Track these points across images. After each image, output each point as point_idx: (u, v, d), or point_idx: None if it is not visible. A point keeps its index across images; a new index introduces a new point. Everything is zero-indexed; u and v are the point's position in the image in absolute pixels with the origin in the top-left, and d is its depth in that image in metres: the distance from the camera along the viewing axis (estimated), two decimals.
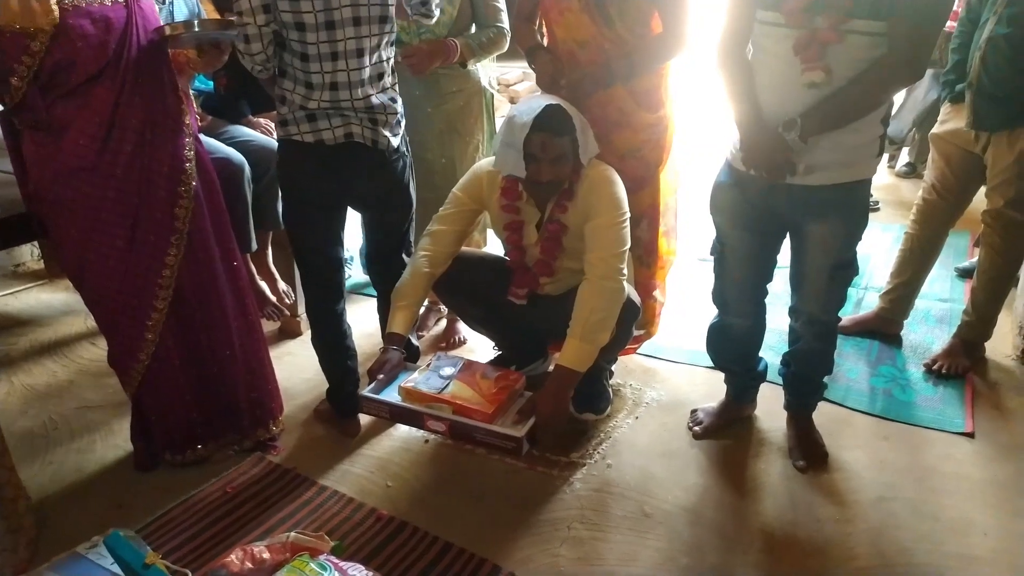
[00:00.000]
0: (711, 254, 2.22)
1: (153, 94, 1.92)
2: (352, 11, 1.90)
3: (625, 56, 2.19)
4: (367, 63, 1.98)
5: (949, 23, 3.62)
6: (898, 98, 4.42)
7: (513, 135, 2.03)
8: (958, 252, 3.60)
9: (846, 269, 2.01)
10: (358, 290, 3.34)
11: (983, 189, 2.57)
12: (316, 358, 2.37)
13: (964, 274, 3.35)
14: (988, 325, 2.66)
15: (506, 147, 2.06)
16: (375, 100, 2.02)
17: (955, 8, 4.45)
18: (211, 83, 2.84)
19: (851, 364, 2.72)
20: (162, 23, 2.00)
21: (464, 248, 2.38)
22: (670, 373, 2.73)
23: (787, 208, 1.95)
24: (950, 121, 2.60)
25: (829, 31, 1.69)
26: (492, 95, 2.80)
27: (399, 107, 2.10)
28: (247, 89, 2.87)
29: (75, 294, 3.40)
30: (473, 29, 2.56)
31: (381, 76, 2.04)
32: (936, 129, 2.69)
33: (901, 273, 2.82)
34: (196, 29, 1.93)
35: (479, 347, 2.87)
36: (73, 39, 1.76)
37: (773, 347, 2.64)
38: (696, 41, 2.26)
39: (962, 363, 2.63)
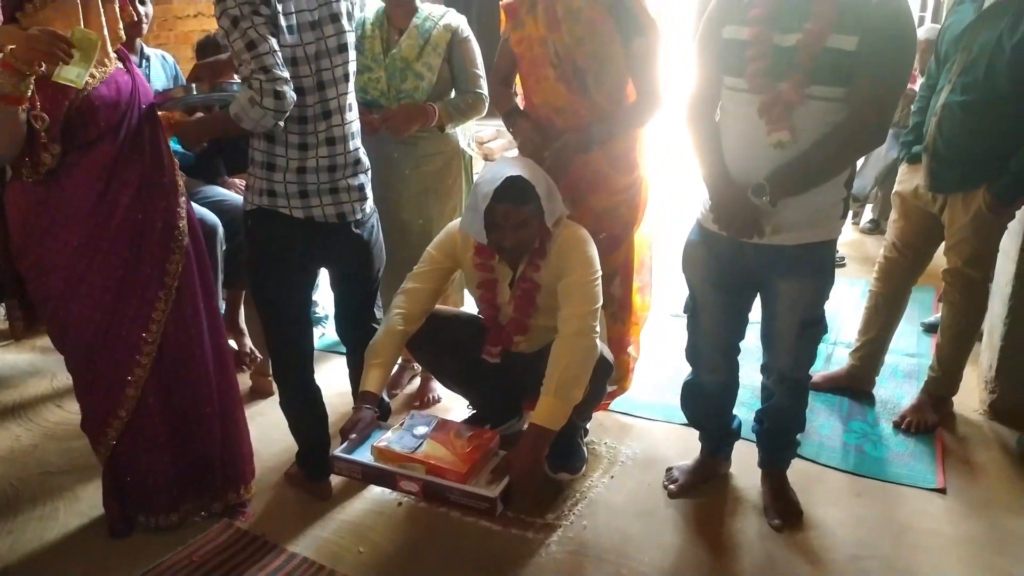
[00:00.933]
0: (684, 311, 2.25)
1: (151, 153, 1.98)
2: (341, 70, 2.01)
3: (602, 121, 2.25)
4: (352, 117, 2.08)
5: (909, 85, 3.78)
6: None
7: (477, 202, 2.07)
8: (923, 307, 3.67)
9: (815, 327, 2.05)
10: (331, 348, 3.32)
11: (943, 246, 2.65)
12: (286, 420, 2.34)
13: (930, 329, 3.42)
14: (954, 380, 2.71)
15: (471, 212, 2.11)
16: (360, 153, 2.12)
17: (914, 70, 4.65)
18: (174, 141, 2.86)
19: (823, 420, 2.74)
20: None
21: (438, 306, 2.39)
22: (645, 430, 2.72)
23: (756, 266, 1.99)
24: (908, 181, 2.69)
25: (792, 93, 1.76)
26: (471, 157, 2.84)
27: (367, 163, 2.18)
28: (223, 149, 2.90)
29: (41, 354, 3.39)
30: (452, 94, 2.61)
31: (359, 130, 2.14)
32: (896, 188, 2.78)
33: (868, 330, 2.87)
34: (195, 93, 2.06)
35: (454, 405, 2.85)
36: (93, 100, 1.85)
37: (747, 404, 2.65)
38: (669, 102, 2.33)
39: (930, 418, 2.66)
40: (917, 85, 4.62)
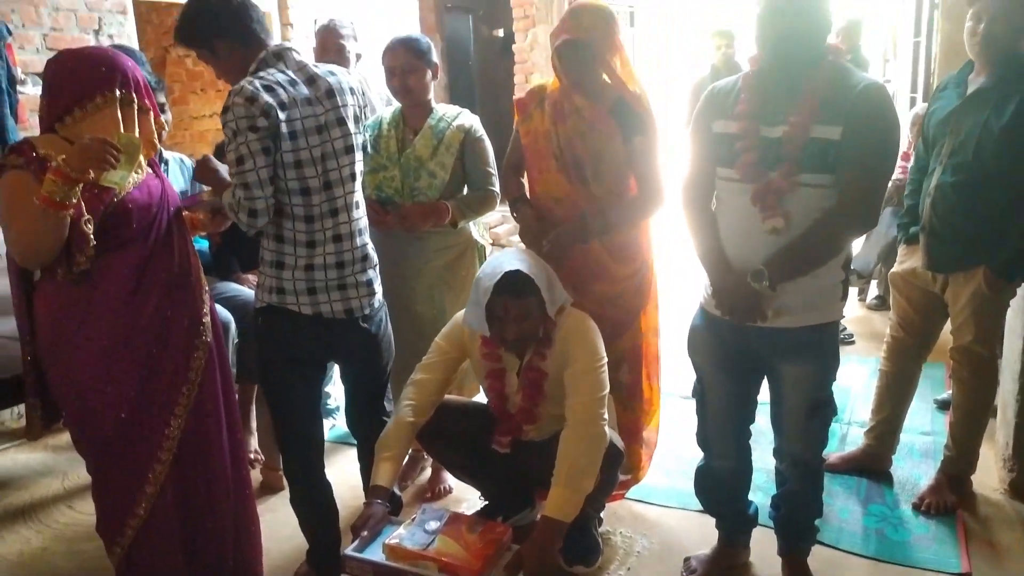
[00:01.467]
0: (692, 395, 2.25)
1: (179, 253, 2.05)
2: (348, 170, 2.08)
3: (600, 213, 2.31)
4: (359, 215, 2.14)
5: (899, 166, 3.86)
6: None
7: (479, 295, 2.12)
8: (936, 384, 3.64)
9: (824, 408, 2.05)
10: (343, 440, 3.31)
11: (949, 324, 2.65)
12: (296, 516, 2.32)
13: (943, 406, 3.38)
14: (971, 459, 2.67)
15: (473, 305, 2.15)
16: (368, 249, 2.16)
17: (905, 149, 4.77)
18: (204, 241, 2.94)
19: (842, 504, 2.70)
20: None
21: (447, 396, 2.40)
22: (661, 518, 2.68)
23: (761, 350, 2.00)
24: (907, 261, 2.72)
25: (782, 181, 1.82)
26: (484, 247, 2.89)
27: (375, 258, 2.22)
28: (237, 246, 2.97)
29: (53, 453, 3.38)
30: (465, 190, 2.69)
31: (367, 226, 2.19)
32: (895, 269, 2.80)
33: (881, 410, 2.85)
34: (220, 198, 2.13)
35: (466, 496, 2.82)
36: (127, 203, 1.93)
37: (764, 488, 2.61)
38: (670, 198, 2.38)
39: (949, 499, 2.61)
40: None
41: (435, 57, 2.61)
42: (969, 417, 2.63)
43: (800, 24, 1.79)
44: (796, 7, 1.80)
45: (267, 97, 1.89)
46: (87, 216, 1.85)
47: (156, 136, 2.03)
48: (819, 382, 2.02)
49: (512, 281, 2.08)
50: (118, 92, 1.88)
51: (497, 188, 2.67)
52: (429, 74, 2.57)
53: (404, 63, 2.52)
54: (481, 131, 2.65)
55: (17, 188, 1.82)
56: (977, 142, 2.35)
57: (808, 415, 2.03)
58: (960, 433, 2.65)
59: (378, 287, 2.22)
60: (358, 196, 2.15)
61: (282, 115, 1.92)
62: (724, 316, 1.97)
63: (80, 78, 1.87)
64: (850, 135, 1.77)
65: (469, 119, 2.65)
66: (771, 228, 1.85)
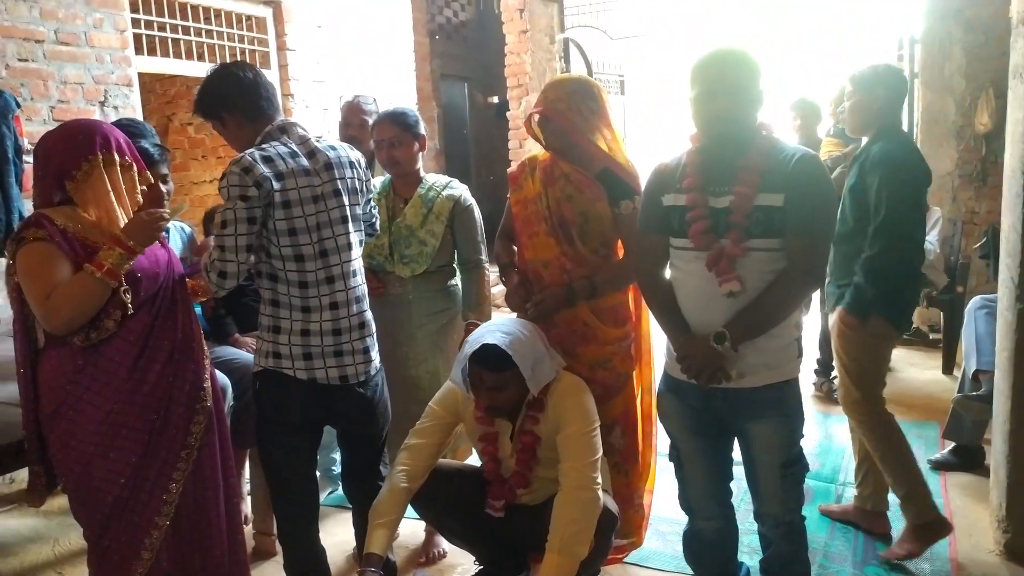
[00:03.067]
0: (670, 459, 2.27)
1: (182, 319, 2.10)
2: (343, 239, 2.13)
3: (586, 277, 2.36)
4: (356, 283, 2.19)
5: None
6: None
7: (460, 358, 2.19)
8: (929, 444, 3.65)
9: (794, 466, 2.09)
10: (338, 503, 3.29)
11: None
12: None
13: (938, 466, 3.39)
14: (917, 500, 2.64)
15: (458, 366, 2.22)
16: (366, 316, 2.21)
17: None
18: (198, 306, 2.97)
19: (838, 566, 2.68)
20: None
21: (441, 461, 2.41)
22: None
23: (727, 412, 2.06)
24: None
25: (734, 247, 1.92)
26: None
27: (373, 325, 2.27)
28: (233, 309, 3.01)
29: (44, 519, 3.35)
30: (454, 256, 2.77)
31: (366, 294, 2.25)
32: None
33: (861, 464, 2.89)
34: None
35: (460, 560, 2.80)
36: (135, 271, 1.99)
37: (757, 550, 2.59)
38: None
39: (912, 548, 2.63)
40: None
41: (422, 129, 2.72)
42: (882, 464, 2.67)
43: (732, 104, 1.93)
44: (727, 88, 1.93)
45: (263, 168, 1.99)
46: (125, 285, 1.94)
47: (139, 192, 2.09)
48: (786, 440, 2.07)
49: (487, 354, 2.13)
50: (100, 155, 1.97)
51: (484, 255, 2.76)
52: (416, 145, 2.68)
53: (391, 136, 2.62)
54: (470, 200, 2.74)
55: (46, 258, 1.90)
56: (842, 203, 2.64)
57: (782, 474, 2.07)
58: (891, 481, 2.68)
59: (375, 354, 2.26)
60: (356, 265, 2.20)
61: (276, 185, 2.00)
62: (690, 379, 2.02)
63: (61, 151, 1.97)
64: (791, 201, 1.90)
65: (458, 189, 2.74)
66: (728, 292, 1.94)
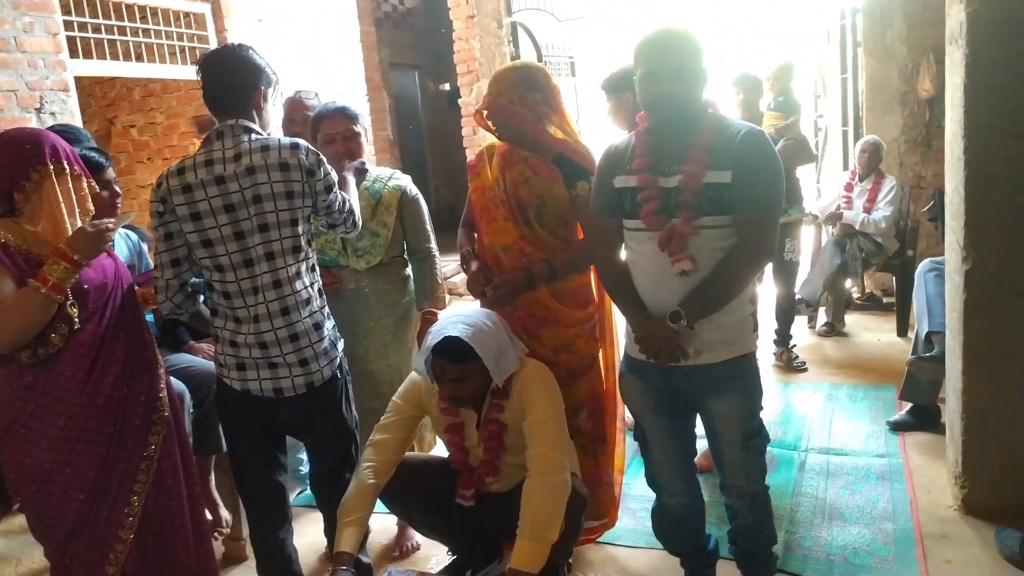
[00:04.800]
0: (635, 439, 2.29)
1: (133, 329, 2.05)
2: (264, 248, 2.03)
3: (545, 260, 2.37)
4: (289, 291, 2.07)
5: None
6: (805, 265, 4.76)
7: (423, 350, 2.19)
8: (887, 406, 3.74)
9: (756, 438, 2.12)
10: (309, 503, 3.26)
11: None
12: None
13: (896, 427, 3.47)
14: None
15: (421, 356, 2.22)
16: (299, 327, 2.08)
17: (849, 180, 4.96)
18: (150, 314, 2.91)
19: (803, 532, 2.74)
20: None
21: (408, 454, 2.40)
22: (630, 560, 2.68)
23: (687, 389, 2.09)
24: None
25: (684, 226, 1.93)
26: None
27: (327, 330, 2.16)
28: (180, 319, 2.95)
29: (5, 539, 3.26)
30: (404, 246, 2.77)
31: (308, 301, 2.11)
32: None
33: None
34: None
35: (433, 552, 2.80)
36: (83, 283, 1.94)
37: (725, 520, 2.64)
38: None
39: None
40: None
41: (365, 122, 2.72)
42: None
43: (677, 84, 1.93)
44: (671, 69, 1.93)
45: (173, 181, 1.99)
46: (71, 299, 1.89)
47: (89, 201, 2.03)
48: (746, 413, 2.10)
49: (450, 346, 2.12)
50: (50, 165, 1.91)
51: (433, 244, 2.76)
52: (364, 138, 2.65)
53: (344, 129, 2.59)
54: (415, 191, 2.74)
55: None
56: None
57: (744, 446, 2.10)
58: None
59: (326, 365, 2.13)
60: (286, 273, 2.05)
61: (181, 198, 1.98)
62: (649, 359, 2.04)
63: (9, 162, 1.90)
64: (739, 177, 1.91)
65: (403, 179, 2.74)
66: (680, 271, 1.96)
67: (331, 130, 2.60)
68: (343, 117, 2.60)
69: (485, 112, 2.42)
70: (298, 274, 2.09)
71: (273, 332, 2.05)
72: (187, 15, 4.82)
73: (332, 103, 2.70)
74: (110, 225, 1.94)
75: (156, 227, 2.03)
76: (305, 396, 2.12)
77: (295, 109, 3.25)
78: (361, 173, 2.52)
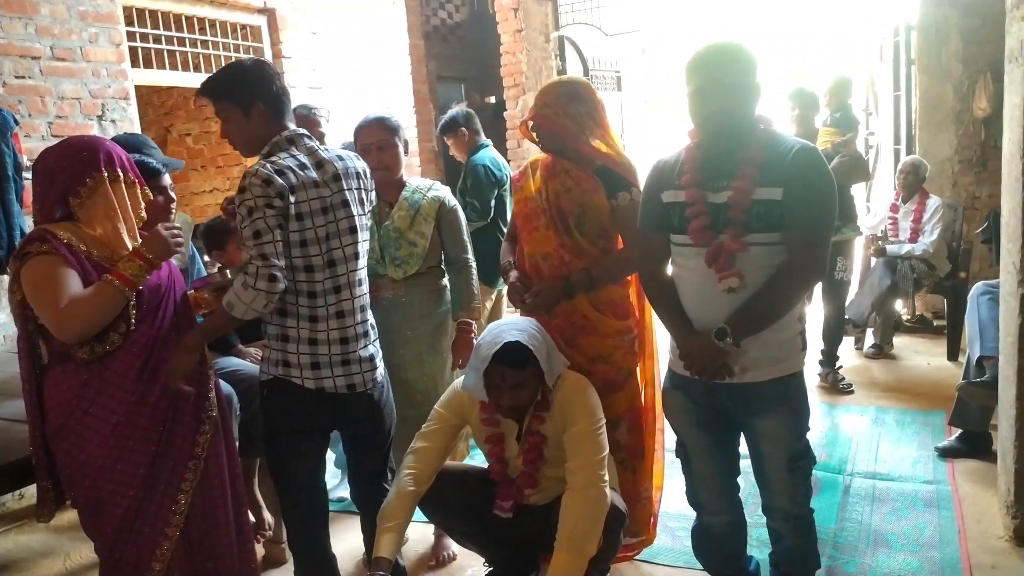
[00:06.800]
0: (676, 456, 2.27)
1: (185, 331, 2.11)
2: (350, 249, 2.14)
3: (583, 269, 2.38)
4: (361, 292, 2.20)
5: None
6: (854, 285, 4.67)
7: (478, 362, 2.17)
8: (936, 431, 3.64)
9: (802, 459, 2.09)
10: (347, 509, 3.29)
11: None
12: None
13: (945, 454, 3.38)
14: None
15: (472, 371, 2.21)
16: (369, 324, 2.22)
17: (893, 201, 4.86)
18: (200, 318, 2.98)
19: (847, 557, 2.68)
20: None
21: (448, 463, 2.41)
22: None
23: (732, 407, 2.06)
24: None
25: (733, 243, 1.91)
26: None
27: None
28: None
29: (55, 534, 3.36)
30: (441, 257, 2.79)
31: (367, 304, 2.24)
32: None
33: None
34: (229, 276, 2.26)
35: (470, 563, 2.80)
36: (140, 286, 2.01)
37: (766, 543, 2.60)
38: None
39: None
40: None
41: (404, 134, 2.73)
42: None
43: (726, 100, 1.92)
44: (721, 84, 1.92)
45: (280, 181, 1.98)
46: (132, 299, 1.97)
47: (143, 208, 2.10)
48: (793, 434, 2.06)
49: (511, 351, 2.13)
50: (105, 172, 1.98)
51: (470, 255, 2.79)
52: (402, 149, 2.68)
53: (380, 139, 2.63)
54: (454, 202, 2.77)
55: (54, 270, 1.91)
56: None
57: (789, 468, 2.06)
58: None
59: (379, 361, 2.26)
60: (361, 274, 2.21)
61: (292, 198, 2.01)
62: (693, 376, 2.02)
63: (66, 168, 1.98)
64: (791, 194, 1.89)
65: (442, 191, 2.77)
66: (728, 287, 1.94)
67: (367, 140, 2.64)
68: (380, 128, 2.64)
69: (530, 124, 2.45)
70: (364, 276, 2.24)
71: (354, 327, 2.16)
72: (243, 27, 4.95)
73: (373, 113, 2.74)
74: (179, 228, 2.03)
75: (267, 218, 1.96)
76: (371, 391, 2.21)
77: (308, 126, 3.32)
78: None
